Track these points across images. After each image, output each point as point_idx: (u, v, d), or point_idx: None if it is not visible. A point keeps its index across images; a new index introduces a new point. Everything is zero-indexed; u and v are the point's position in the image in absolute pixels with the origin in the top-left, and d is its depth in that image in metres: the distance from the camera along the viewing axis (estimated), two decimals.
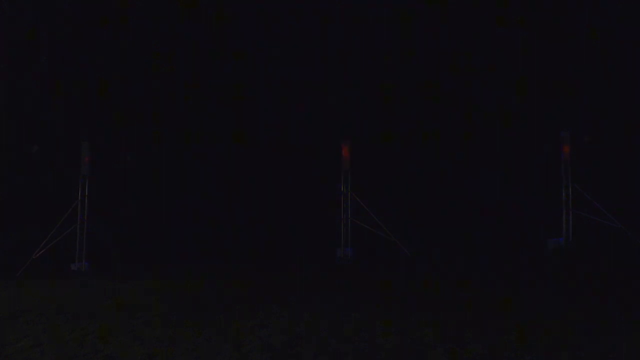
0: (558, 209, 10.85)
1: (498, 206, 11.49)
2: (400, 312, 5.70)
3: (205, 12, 11.47)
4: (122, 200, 11.28)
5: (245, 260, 10.70)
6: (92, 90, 11.30)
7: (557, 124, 11.00)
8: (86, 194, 10.04)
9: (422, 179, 11.82)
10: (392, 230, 10.59)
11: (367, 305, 6.12)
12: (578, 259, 9.79)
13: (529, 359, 4.18)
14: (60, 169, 10.79)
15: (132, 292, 7.64)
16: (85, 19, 11.13)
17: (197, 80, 11.75)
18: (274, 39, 11.81)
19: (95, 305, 6.57)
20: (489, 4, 11.45)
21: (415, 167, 11.75)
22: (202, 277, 8.92)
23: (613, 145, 11.25)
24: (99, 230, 9.87)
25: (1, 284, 8.68)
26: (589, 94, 11.28)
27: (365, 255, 10.71)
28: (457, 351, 4.23)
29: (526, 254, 10.23)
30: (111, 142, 11.31)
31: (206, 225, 11.72)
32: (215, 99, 11.88)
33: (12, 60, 11.11)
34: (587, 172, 10.90)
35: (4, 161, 11.08)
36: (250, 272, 9.40)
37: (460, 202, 11.71)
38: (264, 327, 5.09)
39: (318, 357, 4.22)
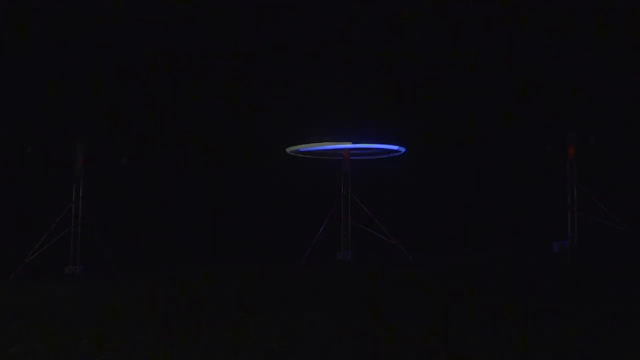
0: (563, 211, 10.79)
1: (502, 208, 11.44)
2: (402, 316, 5.61)
3: (205, 11, 11.40)
4: (117, 202, 11.19)
5: (244, 263, 10.63)
6: (87, 91, 11.22)
7: (563, 125, 10.94)
8: (80, 195, 9.90)
9: (423, 180, 11.77)
10: (393, 232, 10.53)
11: (368, 309, 6.04)
12: (583, 261, 9.74)
13: None
14: (54, 170, 10.68)
15: (128, 295, 7.56)
16: (81, 18, 11.04)
17: (195, 80, 11.69)
18: (273, 39, 11.74)
19: (89, 309, 6.48)
20: (492, 2, 11.39)
21: (417, 168, 11.70)
22: (199, 281, 8.85)
23: (619, 147, 11.20)
24: (94, 233, 9.74)
25: None
26: (595, 94, 11.22)
27: (366, 258, 10.65)
28: (460, 357, 4.13)
29: (531, 256, 10.18)
30: (107, 143, 11.21)
31: (204, 227, 11.65)
32: (213, 99, 11.82)
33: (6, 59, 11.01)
34: (593, 173, 10.86)
35: None
36: (249, 275, 9.34)
37: (463, 204, 11.66)
38: (263, 331, 4.99)
39: None
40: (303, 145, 10.72)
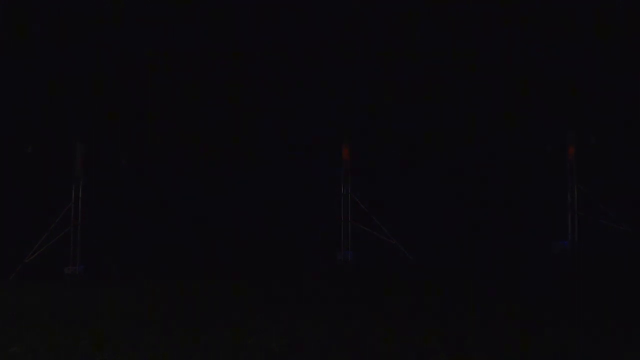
0: (563, 211, 10.76)
1: (502, 208, 11.39)
2: (402, 317, 5.61)
3: (203, 10, 11.37)
4: (117, 202, 11.16)
5: (243, 264, 10.61)
6: (87, 91, 11.19)
7: (563, 125, 10.92)
8: (80, 196, 9.89)
9: (424, 180, 11.73)
10: (393, 232, 10.49)
11: (368, 310, 6.03)
12: (583, 262, 9.72)
13: None
14: (54, 171, 10.66)
15: (128, 296, 7.55)
16: (79, 18, 11.02)
17: (195, 80, 11.65)
18: (272, 38, 11.71)
19: (89, 310, 6.46)
20: (492, 2, 11.36)
21: (417, 168, 11.66)
22: (199, 281, 8.82)
23: (619, 147, 11.17)
24: (94, 233, 9.73)
25: None
26: (595, 94, 11.19)
27: (366, 259, 10.62)
28: (460, 357, 4.13)
29: (531, 256, 10.15)
30: (106, 144, 11.19)
31: (203, 228, 11.62)
32: (212, 99, 11.78)
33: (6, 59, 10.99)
34: (593, 173, 10.83)
35: None
36: (248, 276, 9.32)
37: (463, 204, 11.61)
38: (263, 331, 4.98)
39: None
40: None
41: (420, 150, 11.61)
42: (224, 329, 5.16)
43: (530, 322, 5.17)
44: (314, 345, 4.49)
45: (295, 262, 10.32)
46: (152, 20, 11.19)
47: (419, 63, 11.58)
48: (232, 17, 11.52)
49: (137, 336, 4.92)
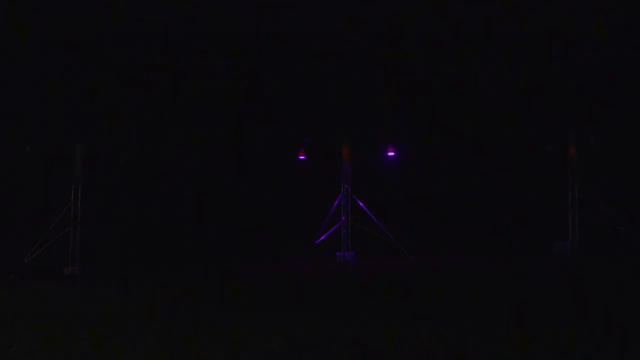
0: (563, 211, 10.77)
1: (502, 208, 11.40)
2: (402, 318, 5.60)
3: (203, 10, 11.37)
4: (117, 202, 11.17)
5: (244, 263, 10.62)
6: (87, 91, 11.19)
7: (563, 125, 10.93)
8: (79, 196, 9.90)
9: (424, 180, 11.74)
10: (393, 232, 10.51)
11: (368, 310, 6.03)
12: (584, 262, 9.73)
13: None
14: (54, 171, 10.67)
15: (126, 296, 7.55)
16: (79, 18, 11.02)
17: (195, 80, 11.65)
18: (273, 38, 11.71)
19: (88, 310, 6.47)
20: (493, 2, 11.36)
21: (418, 168, 11.68)
22: (198, 281, 8.83)
23: (619, 147, 11.17)
24: (93, 233, 9.74)
25: None
26: (595, 94, 11.19)
27: (366, 258, 10.64)
28: (460, 357, 4.13)
29: (530, 257, 10.16)
30: (106, 144, 11.19)
31: (203, 228, 11.63)
32: (212, 98, 11.78)
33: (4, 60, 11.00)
34: (593, 173, 10.83)
35: None
36: (248, 276, 9.33)
37: (463, 204, 11.63)
38: (262, 332, 4.98)
39: None
40: None
41: (421, 150, 11.62)
42: (224, 329, 5.16)
43: (530, 322, 5.17)
44: (314, 345, 4.49)
45: (295, 262, 10.34)
46: (152, 20, 11.18)
47: (419, 63, 11.57)
48: (232, 17, 11.51)
49: (137, 336, 4.92)
